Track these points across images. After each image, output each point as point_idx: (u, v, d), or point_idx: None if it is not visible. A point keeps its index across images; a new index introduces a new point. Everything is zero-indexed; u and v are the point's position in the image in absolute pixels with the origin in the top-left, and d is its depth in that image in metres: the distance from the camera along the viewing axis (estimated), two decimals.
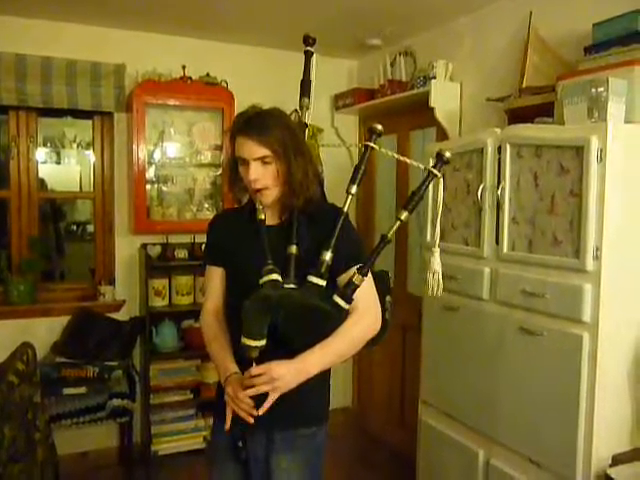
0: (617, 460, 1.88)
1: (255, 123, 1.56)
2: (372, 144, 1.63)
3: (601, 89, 1.86)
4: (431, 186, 2.55)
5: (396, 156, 1.76)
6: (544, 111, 2.23)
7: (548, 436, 1.98)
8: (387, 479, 3.34)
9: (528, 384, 2.05)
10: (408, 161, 1.76)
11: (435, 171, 1.61)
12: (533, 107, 2.33)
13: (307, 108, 1.81)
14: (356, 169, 1.63)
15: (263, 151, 1.55)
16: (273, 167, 1.57)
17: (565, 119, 1.99)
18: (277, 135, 1.55)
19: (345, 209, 1.62)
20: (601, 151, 1.79)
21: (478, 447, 2.29)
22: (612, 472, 1.81)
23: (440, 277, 1.69)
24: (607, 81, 1.85)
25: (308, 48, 1.84)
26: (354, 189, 1.62)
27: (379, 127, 1.62)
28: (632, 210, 1.86)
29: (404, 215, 1.59)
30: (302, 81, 1.83)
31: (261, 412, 1.51)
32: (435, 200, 2.57)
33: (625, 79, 1.90)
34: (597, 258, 1.82)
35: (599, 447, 1.86)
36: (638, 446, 1.95)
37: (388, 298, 1.77)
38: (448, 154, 1.59)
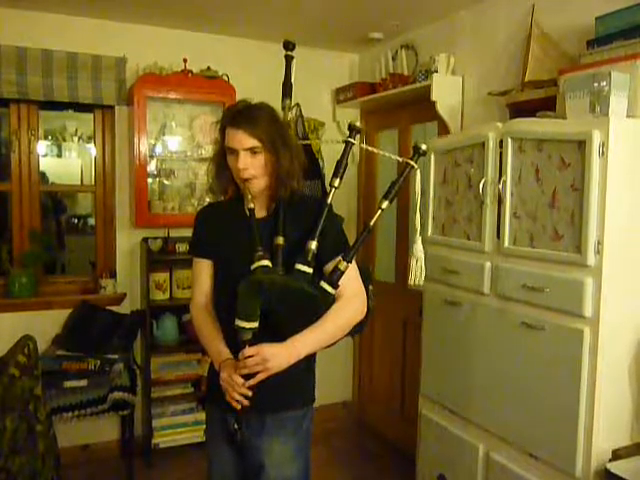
0: (617, 455, 1.88)
1: (245, 115, 1.65)
2: (352, 140, 1.75)
3: (603, 83, 1.85)
4: (431, 180, 2.58)
5: (375, 150, 1.96)
6: (546, 105, 2.22)
7: (548, 430, 1.98)
8: (387, 473, 3.35)
9: (529, 378, 2.05)
10: (386, 154, 1.90)
11: (412, 162, 1.72)
12: (535, 101, 2.33)
13: (289, 108, 1.92)
14: (338, 163, 1.74)
15: (252, 142, 1.63)
16: (261, 157, 1.65)
17: (567, 113, 1.98)
18: (265, 127, 1.64)
19: (329, 201, 1.71)
20: (603, 145, 1.79)
21: (478, 441, 2.30)
22: (612, 467, 1.81)
23: (422, 264, 1.77)
24: (609, 75, 1.84)
25: (288, 53, 1.95)
26: (337, 182, 1.73)
27: (358, 124, 1.77)
28: (634, 204, 1.85)
29: (384, 204, 1.71)
30: (283, 84, 1.94)
31: (249, 384, 1.58)
32: (437, 195, 2.58)
33: (628, 73, 1.89)
34: (598, 253, 1.81)
35: (599, 442, 1.86)
36: (638, 441, 1.95)
37: (371, 287, 1.83)
38: (424, 146, 1.73)
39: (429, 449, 2.61)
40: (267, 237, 1.67)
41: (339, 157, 1.74)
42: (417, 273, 1.77)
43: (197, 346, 3.37)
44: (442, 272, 2.49)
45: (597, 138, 1.79)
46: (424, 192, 1.77)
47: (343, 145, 1.76)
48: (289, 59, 1.94)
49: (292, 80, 1.92)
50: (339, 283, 1.64)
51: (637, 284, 1.90)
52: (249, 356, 1.55)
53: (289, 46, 1.93)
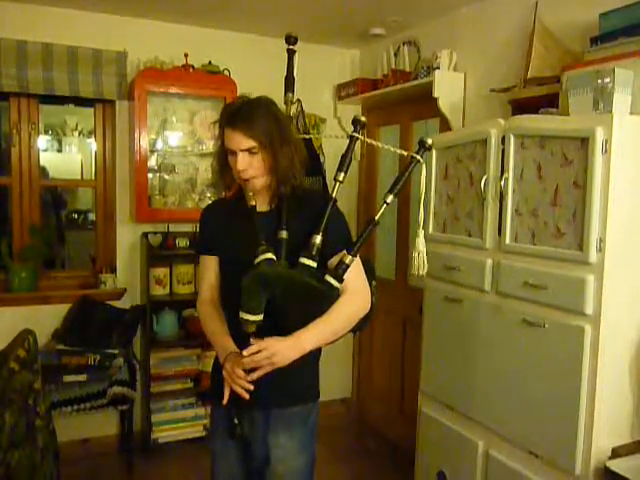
0: (617, 453, 1.87)
1: (242, 115, 1.62)
2: (357, 134, 1.73)
3: (607, 80, 1.84)
4: (433, 177, 2.58)
5: (380, 145, 1.90)
6: (549, 102, 2.21)
7: (548, 428, 1.98)
8: (386, 470, 3.35)
9: (529, 376, 2.05)
10: (392, 148, 1.86)
11: (418, 157, 1.70)
12: (538, 98, 2.32)
13: (292, 103, 1.91)
14: (343, 158, 1.73)
15: (250, 143, 1.61)
16: (260, 157, 1.64)
17: (570, 110, 1.97)
18: (263, 126, 1.62)
19: (333, 195, 1.70)
20: (606, 142, 1.78)
21: (478, 438, 2.29)
22: (612, 464, 1.81)
23: (424, 256, 1.77)
24: (613, 72, 1.83)
25: (290, 47, 1.94)
26: (341, 176, 1.72)
27: (363, 118, 1.73)
28: (636, 202, 1.85)
29: (389, 198, 1.69)
30: (286, 78, 1.93)
31: (252, 378, 1.57)
32: (437, 190, 2.58)
33: (631, 70, 1.88)
34: (600, 250, 1.81)
35: (599, 439, 1.86)
36: (638, 439, 1.95)
37: (374, 283, 1.83)
38: (430, 141, 1.71)
39: (428, 446, 2.61)
40: (270, 230, 1.67)
41: (343, 152, 1.73)
42: (419, 264, 1.77)
43: (197, 341, 3.39)
44: (443, 269, 2.48)
45: (600, 135, 1.78)
46: (427, 188, 1.76)
47: (345, 140, 1.75)
48: (291, 53, 1.94)
49: (294, 74, 1.92)
50: (344, 277, 1.63)
51: (639, 282, 1.89)
52: (257, 351, 1.54)
53: (291, 40, 1.93)
